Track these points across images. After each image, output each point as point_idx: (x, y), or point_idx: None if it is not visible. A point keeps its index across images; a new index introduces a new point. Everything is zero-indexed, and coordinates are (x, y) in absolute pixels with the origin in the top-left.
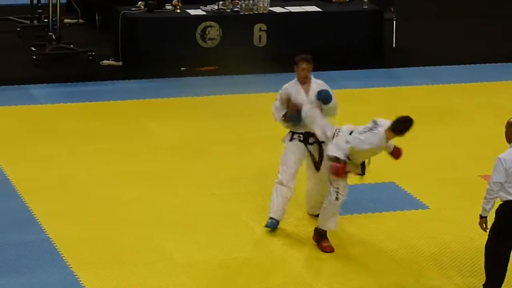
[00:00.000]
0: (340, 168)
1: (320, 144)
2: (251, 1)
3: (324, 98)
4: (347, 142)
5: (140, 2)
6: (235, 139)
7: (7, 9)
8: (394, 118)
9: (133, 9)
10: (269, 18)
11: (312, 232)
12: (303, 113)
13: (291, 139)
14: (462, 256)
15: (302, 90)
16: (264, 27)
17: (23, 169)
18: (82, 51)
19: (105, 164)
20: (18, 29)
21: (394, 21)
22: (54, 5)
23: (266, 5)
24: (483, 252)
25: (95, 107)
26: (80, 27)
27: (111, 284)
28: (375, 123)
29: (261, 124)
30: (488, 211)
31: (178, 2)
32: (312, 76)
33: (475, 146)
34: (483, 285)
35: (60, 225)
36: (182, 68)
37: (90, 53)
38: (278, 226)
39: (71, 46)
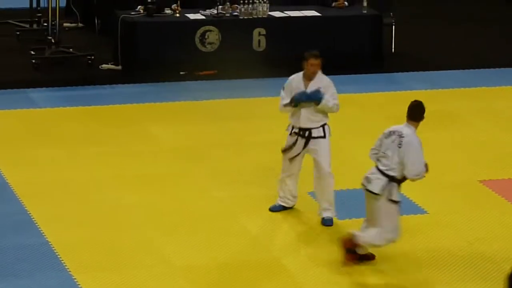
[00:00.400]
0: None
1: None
2: (250, 6)
3: (312, 99)
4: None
5: (139, 7)
6: (234, 143)
7: (7, 13)
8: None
9: (132, 13)
10: (268, 22)
11: (307, 235)
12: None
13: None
14: (461, 261)
15: (303, 84)
16: (263, 31)
17: (22, 172)
18: (81, 55)
19: (104, 167)
20: (18, 32)
21: (394, 26)
22: (54, 9)
23: (265, 9)
24: (482, 257)
25: (95, 111)
26: (79, 31)
27: (110, 287)
28: (398, 135)
29: (259, 127)
30: None
31: (177, 6)
32: (320, 72)
33: (474, 151)
34: None
35: (59, 229)
36: (181, 72)
37: (89, 57)
38: (276, 229)
39: (71, 50)
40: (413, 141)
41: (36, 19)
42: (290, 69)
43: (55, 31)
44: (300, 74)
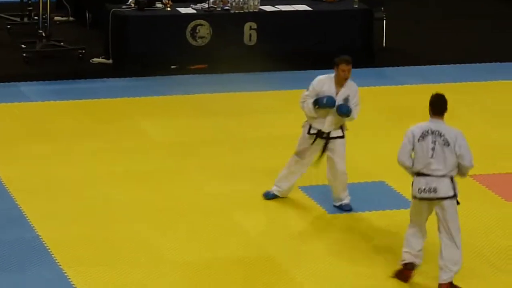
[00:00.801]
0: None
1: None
2: (241, 0)
3: (342, 114)
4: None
5: (130, 0)
6: (227, 138)
7: None
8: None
9: (123, 7)
10: (260, 16)
11: (301, 231)
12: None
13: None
14: None
15: (335, 90)
16: (254, 25)
17: (13, 167)
18: (72, 49)
19: (96, 162)
20: (8, 26)
21: (385, 20)
22: (45, 3)
23: (256, 3)
24: (474, 252)
25: (86, 104)
26: (70, 25)
27: (101, 282)
28: (438, 135)
29: (252, 122)
30: None
31: (168, 0)
32: (350, 79)
33: None
34: None
35: (51, 224)
36: (172, 66)
37: (80, 51)
38: (270, 225)
39: (61, 43)
40: (456, 133)
41: (27, 13)
42: (281, 63)
43: (46, 24)
44: (331, 77)
